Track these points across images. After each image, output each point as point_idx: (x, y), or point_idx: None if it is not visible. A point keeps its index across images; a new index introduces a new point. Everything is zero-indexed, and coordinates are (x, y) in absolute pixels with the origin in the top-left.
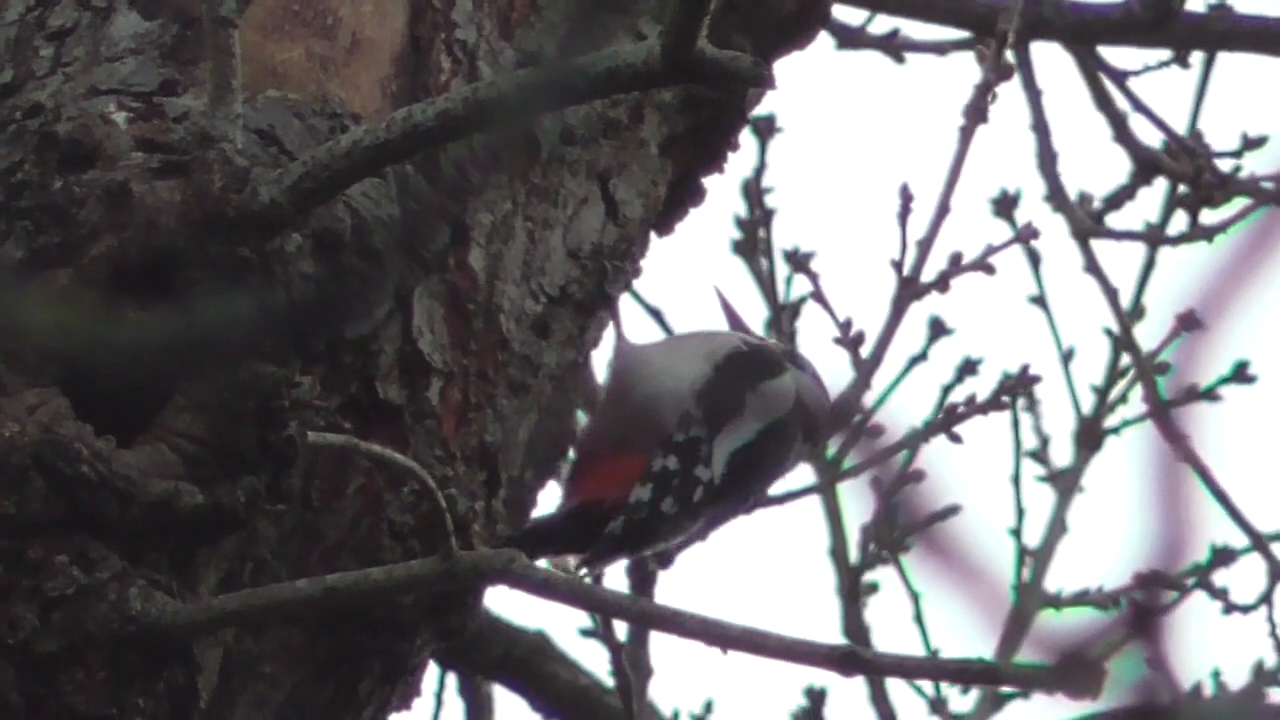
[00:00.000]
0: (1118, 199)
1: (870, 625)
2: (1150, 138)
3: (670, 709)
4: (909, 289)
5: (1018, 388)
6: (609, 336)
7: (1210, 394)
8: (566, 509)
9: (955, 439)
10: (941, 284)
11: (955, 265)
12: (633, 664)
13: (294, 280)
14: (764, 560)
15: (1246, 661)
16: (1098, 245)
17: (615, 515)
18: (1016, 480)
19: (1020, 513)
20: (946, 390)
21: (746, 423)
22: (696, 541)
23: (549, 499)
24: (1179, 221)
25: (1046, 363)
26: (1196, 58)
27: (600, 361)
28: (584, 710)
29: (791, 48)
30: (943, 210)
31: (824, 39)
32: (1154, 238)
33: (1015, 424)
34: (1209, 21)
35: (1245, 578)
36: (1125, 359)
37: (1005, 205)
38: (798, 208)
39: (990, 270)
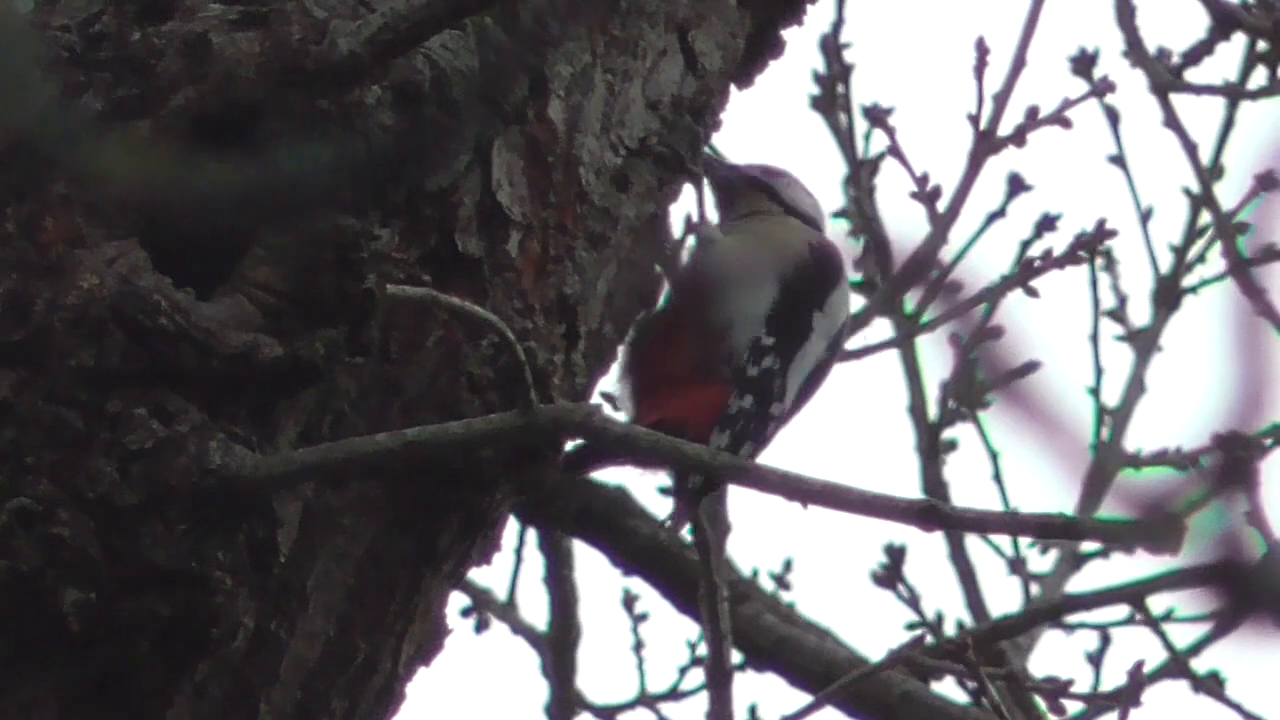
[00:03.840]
0: (1196, 54)
1: (949, 483)
2: None
3: (749, 567)
4: (986, 143)
5: (1095, 242)
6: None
7: None
8: (648, 421)
9: (1033, 294)
10: (1018, 138)
11: (1032, 119)
12: (711, 519)
13: (373, 132)
14: (843, 416)
15: None
16: (1177, 100)
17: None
18: (1095, 339)
19: (1099, 372)
20: (1025, 246)
21: (814, 345)
22: None
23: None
24: (1258, 77)
25: (1125, 221)
26: None
27: (679, 216)
28: (663, 565)
29: None
30: (1019, 64)
31: None
32: (1234, 92)
33: (1094, 283)
34: None
35: None
36: (1204, 218)
37: (1084, 64)
38: (875, 63)
39: (1067, 124)
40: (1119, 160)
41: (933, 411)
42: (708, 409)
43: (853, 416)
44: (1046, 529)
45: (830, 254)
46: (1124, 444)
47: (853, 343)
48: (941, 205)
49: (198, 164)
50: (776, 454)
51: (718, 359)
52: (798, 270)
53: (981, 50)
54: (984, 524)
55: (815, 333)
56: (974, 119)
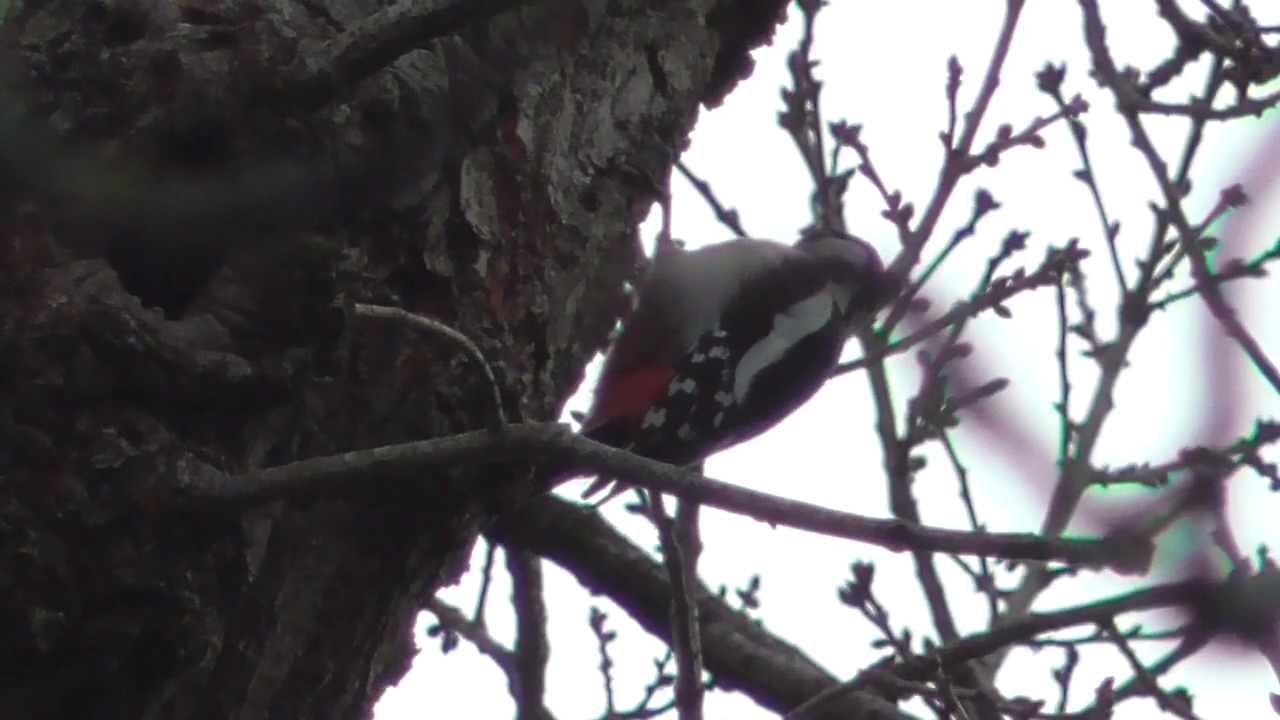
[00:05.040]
0: (1164, 73)
1: (917, 500)
2: (1196, 12)
3: (718, 585)
4: (958, 162)
5: (1066, 261)
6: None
7: (1256, 269)
8: (595, 426)
9: (1003, 313)
10: (990, 157)
11: (1004, 138)
12: (681, 539)
13: (342, 151)
14: (811, 435)
15: None
16: (1145, 119)
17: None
18: (1062, 355)
19: (1066, 388)
20: (993, 264)
21: (774, 343)
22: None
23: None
24: (1226, 96)
25: (1092, 237)
26: None
27: (648, 235)
28: (632, 585)
29: None
30: (991, 83)
31: None
32: (1201, 111)
33: (1061, 299)
34: None
35: None
36: (1171, 233)
37: (1050, 79)
38: (845, 81)
39: (1039, 143)
40: (1086, 175)
41: (901, 429)
42: (651, 393)
43: (822, 434)
44: (1015, 549)
45: (809, 268)
46: (1091, 460)
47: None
48: (913, 224)
49: (166, 183)
50: (744, 462)
51: (665, 350)
52: (765, 273)
53: (954, 69)
54: (953, 544)
55: (775, 332)
56: (946, 138)
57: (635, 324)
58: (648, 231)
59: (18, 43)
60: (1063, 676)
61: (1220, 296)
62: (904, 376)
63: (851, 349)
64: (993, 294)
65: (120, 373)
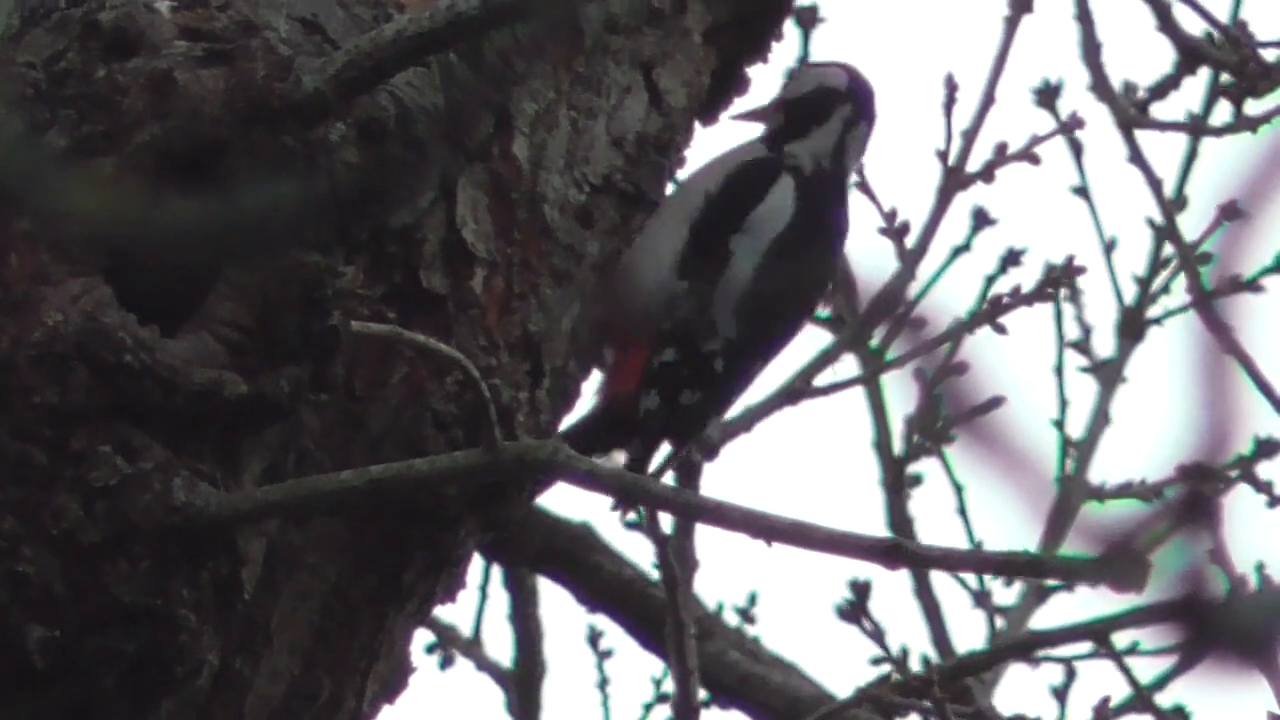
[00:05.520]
0: (1162, 89)
1: (914, 517)
2: (1194, 27)
3: (715, 602)
4: (954, 179)
5: (1063, 278)
6: None
7: (1253, 285)
8: (594, 411)
9: (1001, 330)
10: (987, 174)
11: (1000, 155)
12: (678, 556)
13: (337, 169)
14: (807, 452)
15: None
16: (1141, 135)
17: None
18: (1059, 371)
19: (1063, 404)
20: (990, 281)
21: (738, 268)
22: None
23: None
24: (1223, 112)
25: (1089, 253)
26: None
27: None
28: (628, 602)
29: None
30: (988, 100)
31: None
32: (1198, 128)
33: (1058, 315)
34: None
35: None
36: (1167, 250)
37: (1047, 96)
38: None
39: (1036, 160)
40: (1083, 191)
41: (898, 447)
42: (634, 374)
43: (818, 451)
44: (1011, 566)
45: (749, 174)
46: (1088, 476)
47: (819, 379)
48: (910, 241)
49: (162, 201)
50: (744, 488)
51: (636, 325)
52: (707, 204)
53: (951, 86)
54: (949, 562)
55: (736, 255)
56: (943, 155)
57: (601, 309)
58: None
59: (14, 60)
60: (1060, 693)
61: (1217, 312)
62: (901, 394)
63: (849, 367)
64: (989, 311)
65: (116, 390)
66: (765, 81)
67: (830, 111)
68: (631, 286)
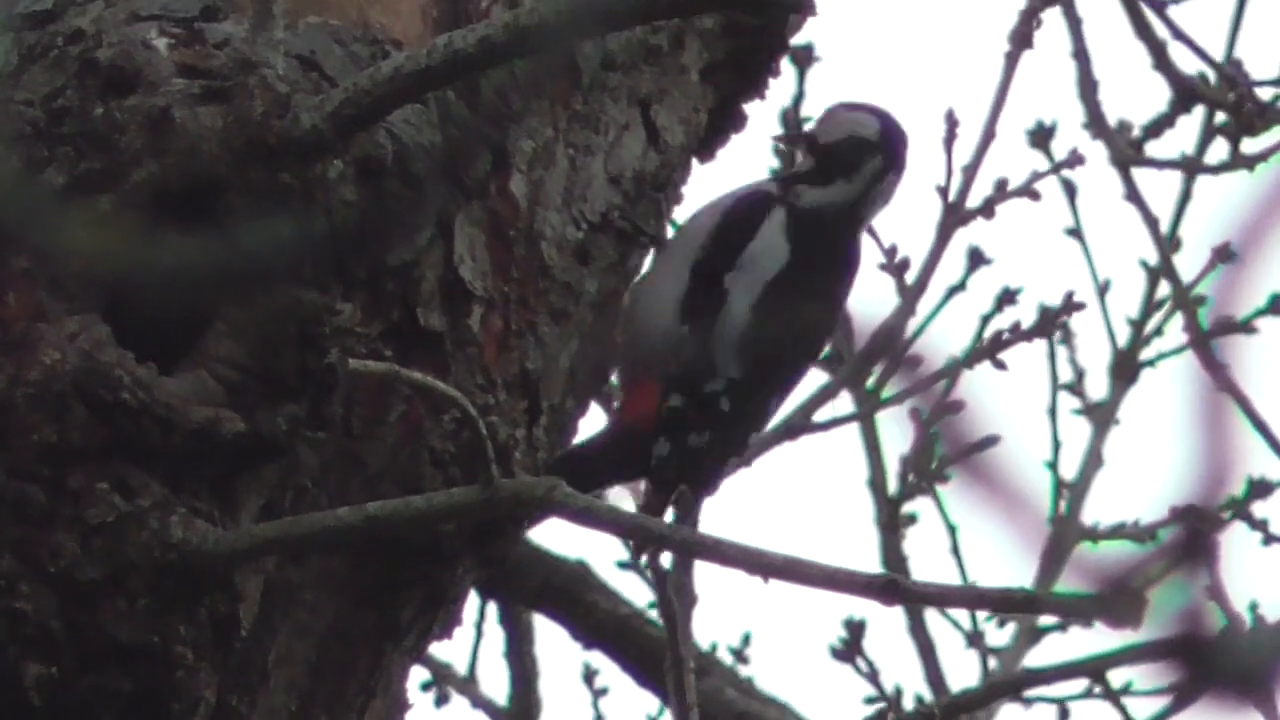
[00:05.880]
0: (1157, 127)
1: (908, 556)
2: (1190, 66)
3: (709, 642)
4: (954, 215)
5: (1061, 315)
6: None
7: (1247, 326)
8: (598, 442)
9: (1001, 366)
10: (987, 210)
11: (1000, 192)
12: (677, 591)
13: (335, 206)
14: (803, 490)
15: None
16: (1137, 174)
17: (643, 471)
18: (1053, 413)
19: (1056, 445)
20: (985, 320)
21: (735, 307)
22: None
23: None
24: (1218, 150)
25: (1084, 294)
26: None
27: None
28: (624, 639)
29: None
30: (988, 136)
31: None
32: (1193, 166)
33: (1051, 356)
34: None
35: None
36: (1162, 290)
37: (1041, 136)
38: None
39: (1036, 197)
40: (1077, 233)
41: (893, 485)
42: (650, 403)
43: (813, 490)
44: (1008, 603)
45: (740, 212)
46: (1082, 517)
47: (817, 416)
48: (909, 277)
49: (160, 239)
50: (738, 525)
51: (647, 368)
52: (706, 245)
53: (951, 122)
54: (945, 599)
55: (732, 293)
56: (943, 191)
57: (621, 354)
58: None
59: (12, 98)
60: None
61: (1211, 353)
62: (896, 433)
63: (844, 405)
64: (989, 348)
65: (114, 428)
66: (762, 118)
67: (859, 164)
68: (638, 331)
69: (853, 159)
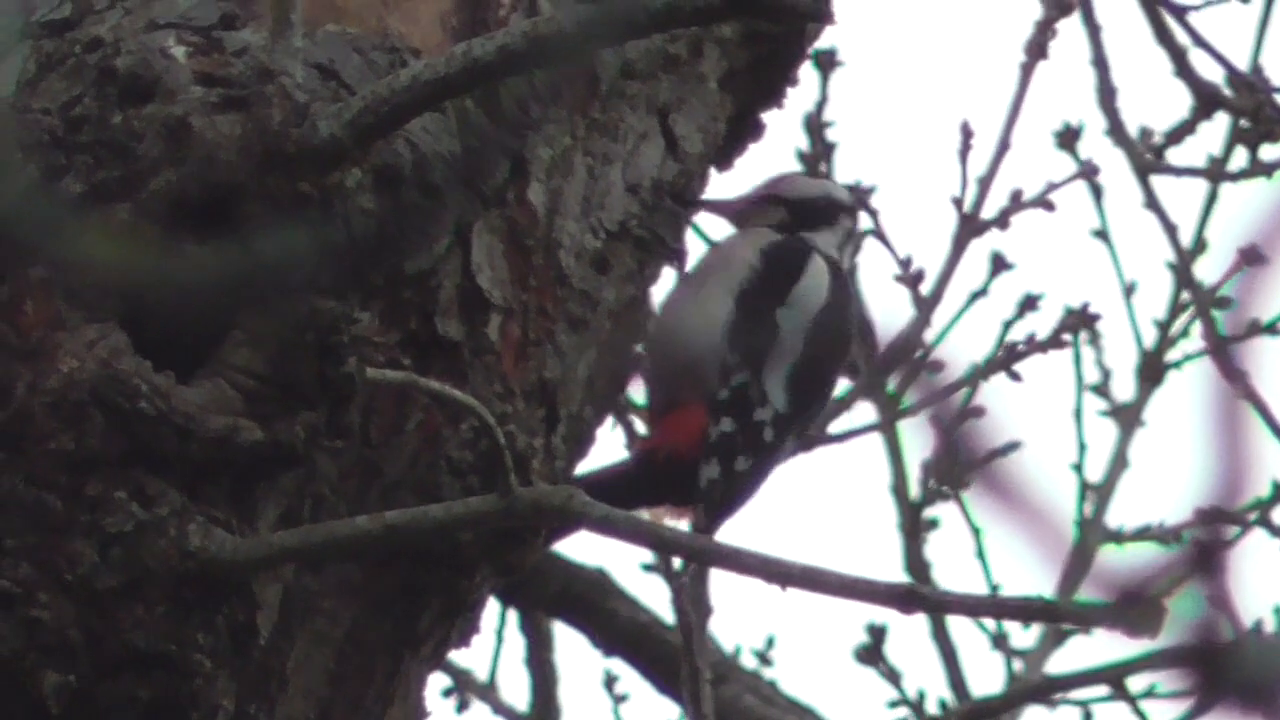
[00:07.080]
0: (1178, 134)
1: (931, 561)
2: (1211, 73)
3: (732, 645)
4: (970, 226)
5: (1078, 325)
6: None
7: (1271, 329)
8: (633, 457)
9: (1016, 376)
10: (1002, 221)
11: (1016, 202)
12: (693, 602)
13: (353, 215)
14: (825, 496)
15: None
16: (1158, 181)
17: (685, 481)
18: (1078, 415)
19: (1082, 448)
20: (1007, 326)
21: (787, 341)
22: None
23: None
24: (1239, 157)
25: (1108, 297)
26: None
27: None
28: (644, 647)
29: None
30: (1003, 147)
31: None
32: (1215, 173)
33: (1077, 358)
34: None
35: None
36: (1186, 294)
37: (1068, 138)
38: (859, 142)
39: (1050, 207)
40: (1102, 234)
41: (915, 491)
42: (692, 430)
43: (836, 496)
44: (1027, 612)
45: (783, 252)
46: (1107, 520)
47: (837, 425)
48: (925, 288)
49: (178, 247)
50: (761, 532)
51: (689, 390)
52: (750, 278)
53: (966, 133)
54: (965, 607)
55: (783, 330)
56: (958, 201)
57: (650, 375)
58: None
59: (30, 106)
60: None
61: (1232, 358)
62: (918, 439)
63: (866, 413)
64: (1006, 356)
65: (131, 437)
66: (783, 123)
67: (835, 219)
68: (677, 352)
69: (829, 215)
